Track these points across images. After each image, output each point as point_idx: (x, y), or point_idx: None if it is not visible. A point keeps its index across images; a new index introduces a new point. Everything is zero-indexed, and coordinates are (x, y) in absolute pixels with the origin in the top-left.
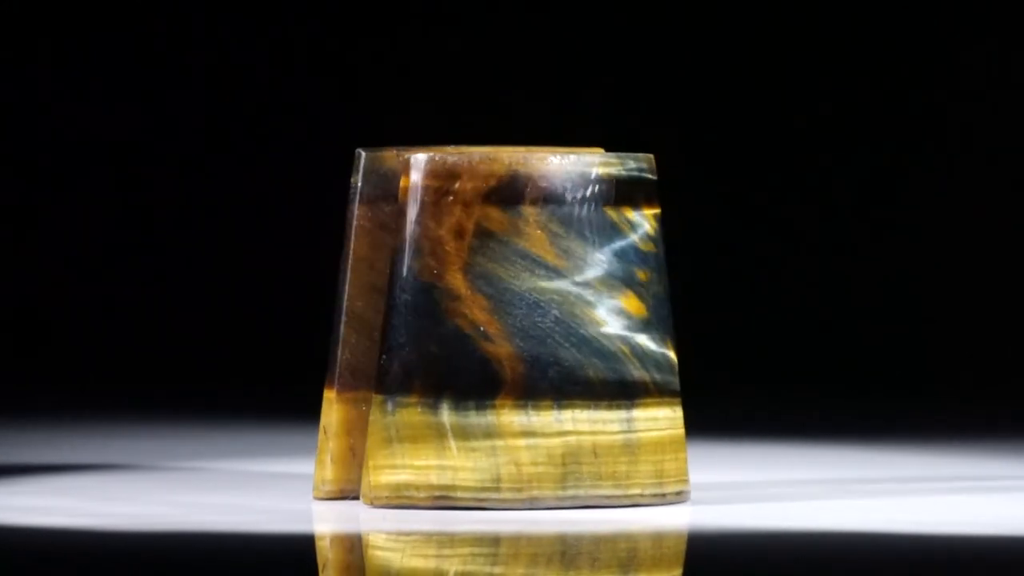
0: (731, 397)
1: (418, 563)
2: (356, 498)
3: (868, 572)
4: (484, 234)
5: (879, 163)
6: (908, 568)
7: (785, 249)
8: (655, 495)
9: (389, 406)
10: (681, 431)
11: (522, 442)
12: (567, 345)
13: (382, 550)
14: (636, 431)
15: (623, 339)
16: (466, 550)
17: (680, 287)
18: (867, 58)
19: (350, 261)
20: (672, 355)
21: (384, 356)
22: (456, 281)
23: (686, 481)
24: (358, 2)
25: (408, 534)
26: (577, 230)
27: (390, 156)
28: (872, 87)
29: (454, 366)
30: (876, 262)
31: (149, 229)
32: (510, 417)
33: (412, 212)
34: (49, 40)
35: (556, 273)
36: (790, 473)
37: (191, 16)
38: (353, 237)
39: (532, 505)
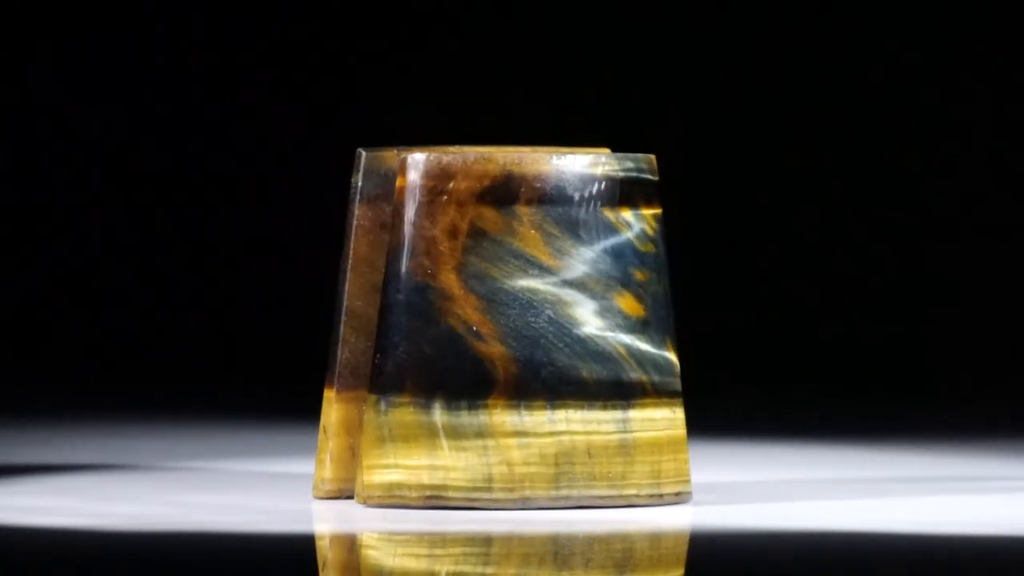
0: (731, 397)
1: (410, 563)
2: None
3: (868, 572)
4: (478, 234)
5: (879, 163)
6: (908, 568)
7: (785, 249)
8: (652, 496)
9: (382, 406)
10: (681, 432)
11: (514, 442)
12: (560, 345)
13: (374, 550)
14: (632, 431)
15: (619, 339)
16: (458, 550)
17: (680, 287)
18: (867, 58)
19: (350, 261)
20: (672, 356)
21: (378, 356)
22: (449, 281)
23: (686, 482)
24: (359, 2)
25: (400, 534)
26: (572, 230)
27: (391, 156)
28: (872, 87)
29: (446, 366)
30: (876, 262)
31: (149, 229)
32: (502, 417)
33: (407, 212)
34: (49, 40)
35: (550, 273)
36: (790, 473)
37: (191, 16)
38: (353, 237)
39: (524, 505)
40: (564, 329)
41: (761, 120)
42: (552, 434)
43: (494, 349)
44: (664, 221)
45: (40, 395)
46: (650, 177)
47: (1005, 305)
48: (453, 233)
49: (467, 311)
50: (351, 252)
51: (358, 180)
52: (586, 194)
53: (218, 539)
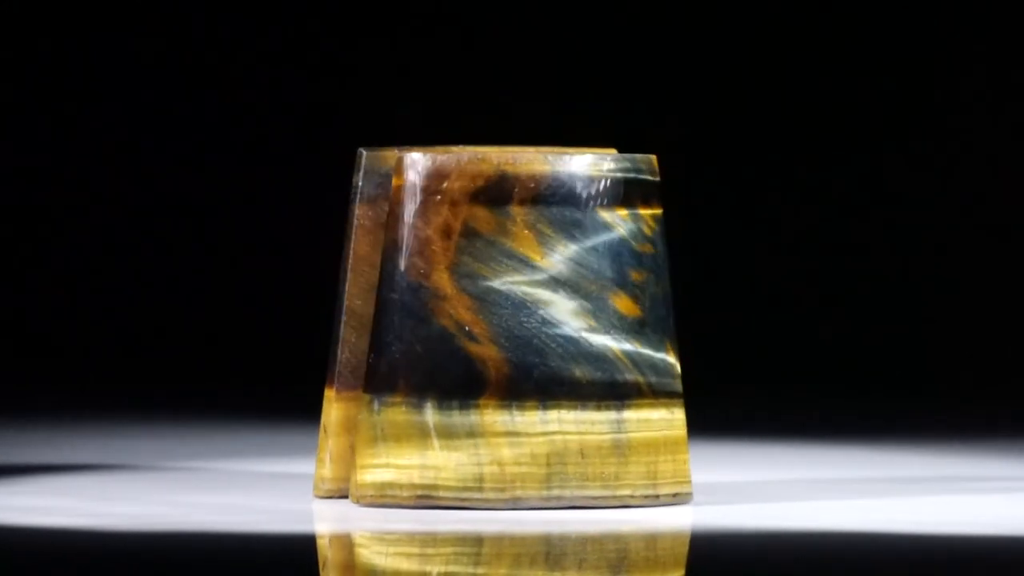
0: (731, 397)
1: (401, 563)
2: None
3: (868, 572)
4: (471, 234)
5: (879, 163)
6: (908, 568)
7: (785, 249)
8: (647, 496)
9: (375, 405)
10: (680, 432)
11: (505, 442)
12: (553, 346)
13: (366, 549)
14: (626, 432)
15: (613, 340)
16: (449, 550)
17: (680, 287)
18: (867, 58)
19: (351, 260)
20: (670, 357)
21: (372, 355)
22: (442, 281)
23: (686, 483)
24: (359, 2)
25: (392, 533)
26: (566, 230)
27: (391, 156)
28: (872, 87)
29: (438, 366)
30: (876, 262)
31: (149, 229)
32: (493, 417)
33: (401, 211)
34: (49, 40)
35: (544, 273)
36: (790, 473)
37: (191, 16)
38: (354, 236)
39: (515, 505)
40: (557, 329)
41: (761, 120)
42: (544, 434)
43: (486, 349)
44: (665, 221)
45: (40, 395)
46: (649, 177)
47: (1005, 305)
48: (446, 233)
49: (460, 311)
50: (351, 252)
51: (358, 180)
52: (581, 194)
53: (218, 539)
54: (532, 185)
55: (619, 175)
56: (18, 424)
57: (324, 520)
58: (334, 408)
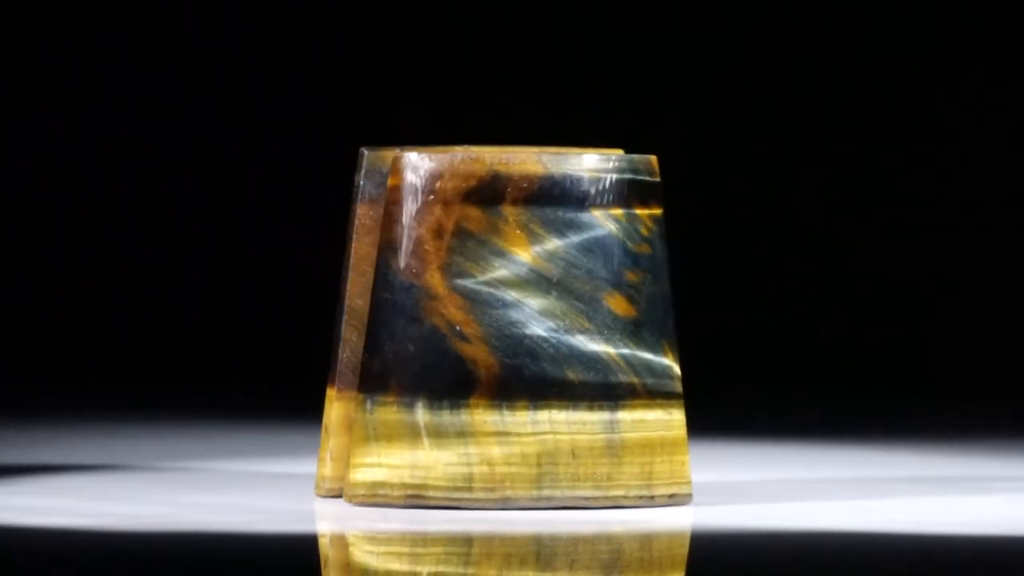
0: (731, 397)
1: (392, 563)
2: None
3: (868, 572)
4: (463, 234)
5: (879, 163)
6: (908, 568)
7: (785, 249)
8: (641, 497)
9: (368, 405)
10: (679, 433)
11: (495, 442)
12: (544, 346)
13: (356, 549)
14: (620, 432)
15: (607, 340)
16: (439, 549)
17: (680, 287)
18: (867, 58)
19: (352, 260)
20: (668, 357)
21: (366, 355)
22: (434, 280)
23: (684, 484)
24: (362, 2)
25: (383, 533)
26: (559, 231)
27: (393, 155)
28: (872, 87)
29: (429, 365)
30: (876, 262)
31: (149, 228)
32: (484, 417)
33: (395, 211)
34: (49, 40)
35: (536, 274)
36: (790, 473)
37: (191, 15)
38: (355, 236)
39: (505, 505)
40: (549, 330)
41: (761, 120)
42: (534, 434)
43: (477, 349)
44: (664, 222)
45: (40, 395)
46: (647, 178)
47: (1005, 305)
48: (439, 233)
49: (451, 311)
50: (353, 251)
51: (360, 179)
52: (574, 195)
53: (218, 539)
54: (525, 185)
55: (614, 176)
56: (18, 424)
57: (323, 520)
58: (335, 407)
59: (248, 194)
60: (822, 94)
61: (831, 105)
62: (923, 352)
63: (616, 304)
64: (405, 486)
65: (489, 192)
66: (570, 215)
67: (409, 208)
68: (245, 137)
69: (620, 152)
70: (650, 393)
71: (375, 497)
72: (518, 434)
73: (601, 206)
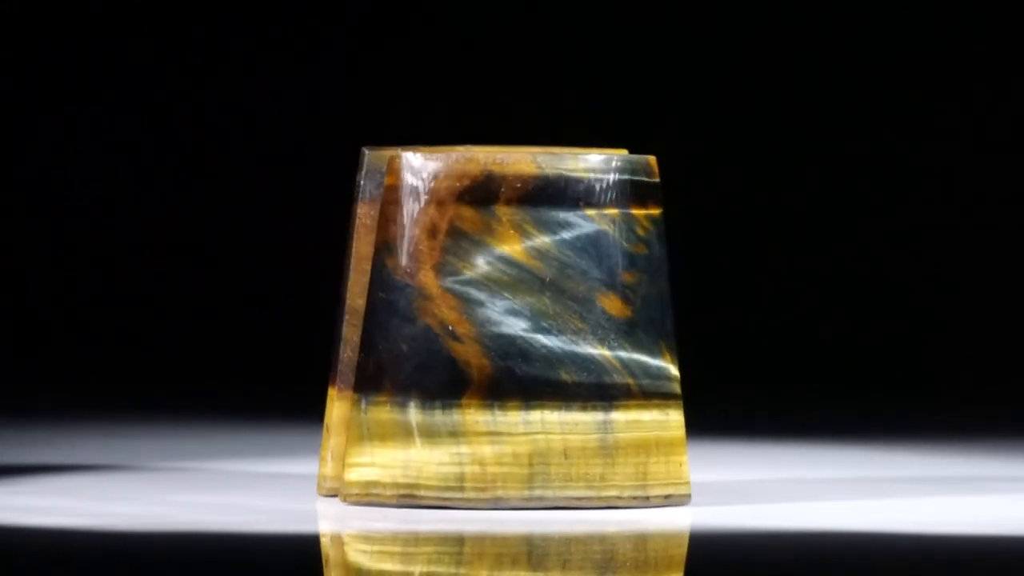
0: (731, 397)
1: (384, 562)
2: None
3: (868, 572)
4: (457, 233)
5: (879, 163)
6: (908, 568)
7: (785, 249)
8: (635, 498)
9: (363, 404)
10: (676, 434)
11: (486, 441)
12: (537, 346)
13: (351, 549)
14: (613, 433)
15: (601, 341)
16: (431, 549)
17: (680, 287)
18: (867, 58)
19: (353, 259)
20: (665, 358)
21: (361, 354)
22: (428, 280)
23: (681, 484)
24: (362, 1)
25: (376, 533)
26: (553, 231)
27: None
28: (872, 87)
29: (422, 365)
30: (876, 262)
31: (149, 228)
32: (475, 417)
33: (391, 211)
34: (49, 40)
35: (529, 274)
36: (790, 473)
37: (192, 15)
38: (356, 235)
39: (496, 505)
40: (542, 330)
41: (761, 120)
42: (526, 435)
43: (470, 349)
44: (663, 222)
45: (40, 395)
46: (644, 178)
47: (1005, 305)
48: (433, 233)
49: (444, 311)
50: (354, 251)
51: (361, 179)
52: (568, 195)
53: (218, 539)
54: (518, 185)
55: (610, 176)
56: (18, 424)
57: (322, 520)
58: (336, 407)
59: (249, 194)
60: (822, 94)
61: (831, 105)
62: (923, 352)
63: (611, 304)
64: (397, 485)
65: (483, 192)
66: (564, 215)
67: (404, 208)
68: (246, 137)
69: (625, 152)
70: (645, 394)
71: (368, 496)
72: (510, 434)
73: (596, 206)
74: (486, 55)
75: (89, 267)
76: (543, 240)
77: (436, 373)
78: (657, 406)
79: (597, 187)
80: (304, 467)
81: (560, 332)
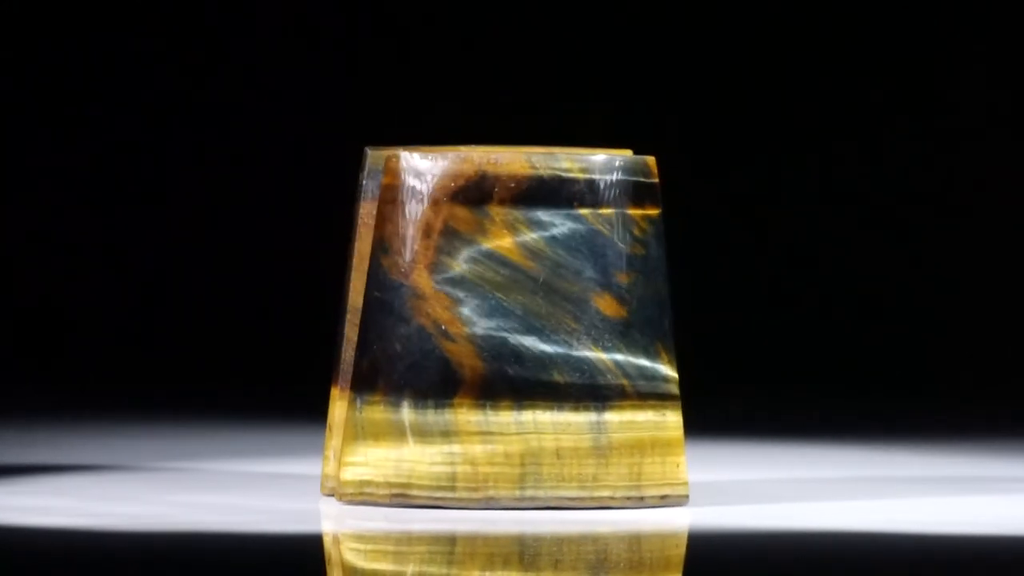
0: (731, 397)
1: (377, 561)
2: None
3: (868, 572)
4: (451, 233)
5: (879, 163)
6: (908, 568)
7: (785, 249)
8: (629, 498)
9: (358, 403)
10: (673, 434)
11: (478, 441)
12: (530, 347)
13: (345, 548)
14: (607, 433)
15: (595, 341)
16: (423, 548)
17: (680, 287)
18: (867, 58)
19: (355, 259)
20: (661, 359)
21: (357, 354)
22: (422, 280)
23: (678, 485)
24: (363, 1)
25: (369, 532)
26: (547, 231)
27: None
28: (872, 87)
29: (415, 365)
30: (875, 262)
31: (150, 228)
32: (468, 416)
33: (387, 210)
34: (49, 40)
35: (522, 274)
36: (790, 473)
37: (192, 14)
38: (358, 235)
39: (488, 505)
40: (535, 330)
41: (761, 120)
42: (518, 434)
43: (462, 349)
44: (661, 223)
45: (40, 395)
46: (641, 179)
47: (1005, 305)
48: (427, 232)
49: (437, 310)
50: (356, 250)
51: (364, 178)
52: (563, 195)
53: (218, 539)
54: (512, 185)
55: (606, 176)
56: (18, 424)
57: (321, 519)
58: (338, 407)
59: (250, 193)
60: (822, 94)
61: (831, 105)
62: (923, 352)
63: (605, 305)
64: (390, 485)
65: (477, 192)
66: (558, 215)
67: (400, 207)
68: (247, 137)
69: (629, 153)
70: (640, 395)
71: (362, 496)
72: (502, 434)
73: (591, 206)
74: (486, 55)
75: (89, 267)
76: (536, 239)
77: (429, 373)
78: (653, 407)
79: (592, 188)
80: (305, 467)
81: (553, 332)
